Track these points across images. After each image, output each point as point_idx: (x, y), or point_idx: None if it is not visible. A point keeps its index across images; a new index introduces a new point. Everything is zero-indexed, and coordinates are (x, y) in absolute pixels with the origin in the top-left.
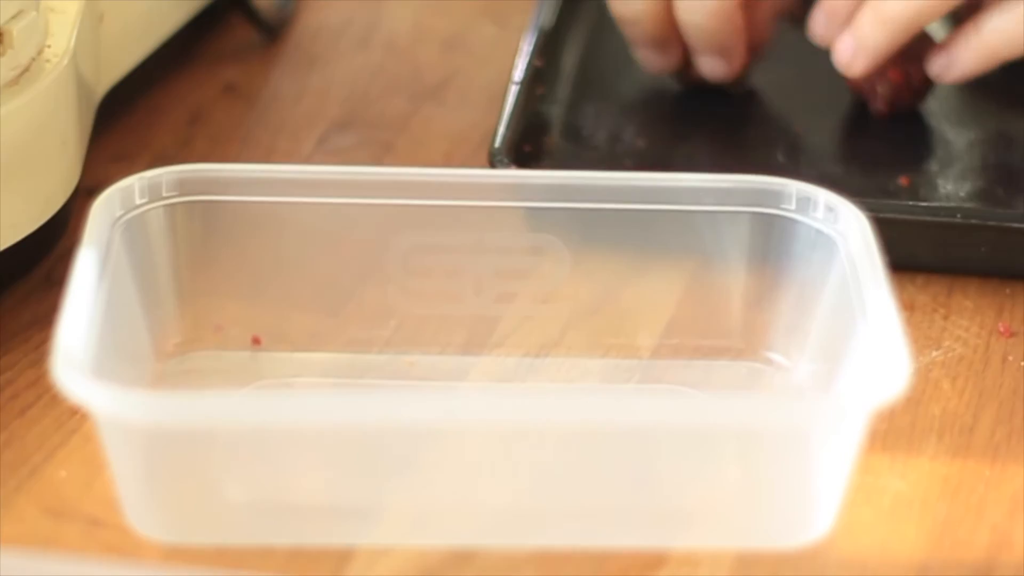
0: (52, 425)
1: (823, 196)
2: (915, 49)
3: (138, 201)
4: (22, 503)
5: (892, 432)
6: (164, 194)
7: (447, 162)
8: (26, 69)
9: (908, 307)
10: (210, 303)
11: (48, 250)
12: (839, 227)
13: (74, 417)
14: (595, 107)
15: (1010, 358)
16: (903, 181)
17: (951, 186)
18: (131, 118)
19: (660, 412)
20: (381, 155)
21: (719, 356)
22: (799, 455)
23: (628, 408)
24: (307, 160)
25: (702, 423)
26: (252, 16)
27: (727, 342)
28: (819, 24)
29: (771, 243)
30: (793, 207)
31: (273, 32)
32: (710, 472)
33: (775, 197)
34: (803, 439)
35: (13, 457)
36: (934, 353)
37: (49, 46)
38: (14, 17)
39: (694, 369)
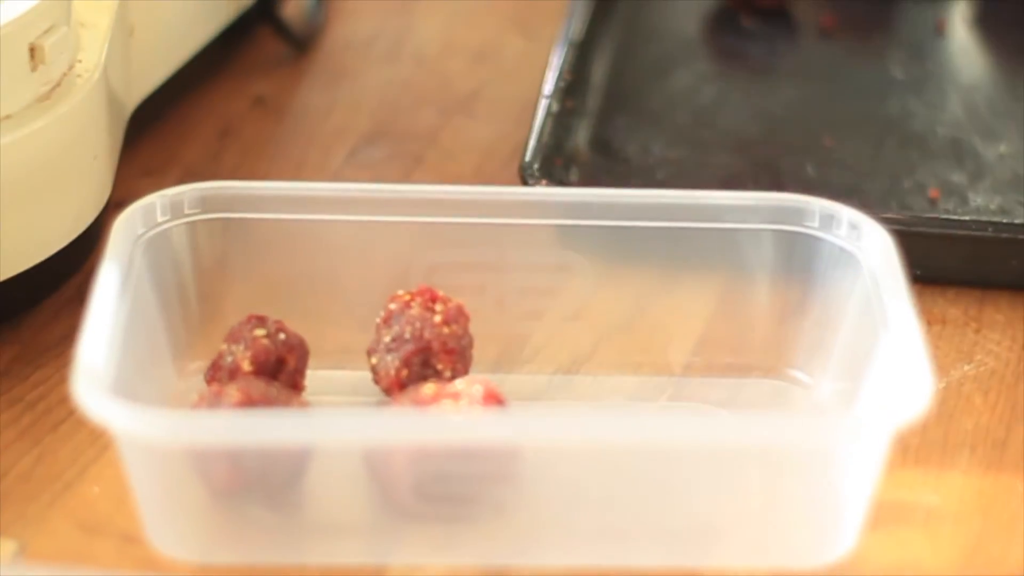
0: (85, 440)
1: (846, 213)
2: None
3: (160, 218)
4: (55, 518)
5: (924, 447)
6: (186, 211)
7: (477, 175)
8: (57, 84)
9: (939, 321)
10: (232, 321)
11: (79, 265)
12: (862, 244)
13: (107, 433)
14: (625, 120)
15: None
16: (933, 194)
17: (981, 199)
18: (161, 132)
19: (685, 432)
20: (411, 168)
21: (745, 374)
22: (822, 474)
23: (653, 428)
24: (337, 174)
25: (725, 442)
26: (281, 29)
27: (752, 359)
28: None
29: (794, 260)
30: (816, 224)
31: (302, 45)
32: (734, 491)
33: (798, 214)
34: (825, 458)
35: (46, 472)
36: (966, 367)
37: (80, 61)
38: (46, 32)
39: (721, 387)
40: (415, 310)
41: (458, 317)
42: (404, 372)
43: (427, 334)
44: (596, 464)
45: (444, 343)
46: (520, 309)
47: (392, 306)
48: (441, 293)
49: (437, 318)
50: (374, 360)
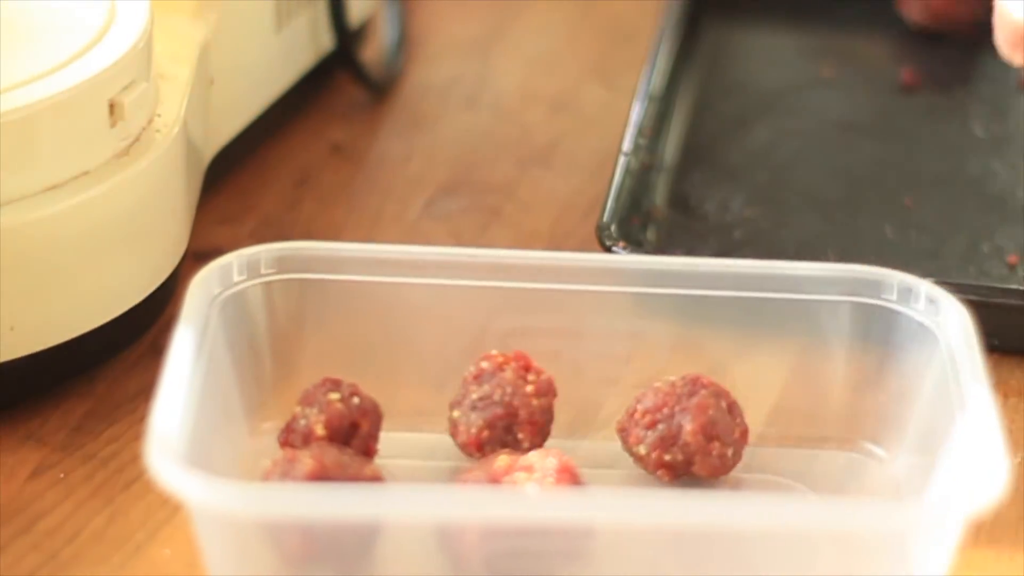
0: (157, 501)
1: (924, 288)
2: None
3: (236, 278)
4: None
5: (998, 526)
6: (263, 271)
7: (555, 229)
8: (136, 139)
9: (1016, 393)
10: (307, 381)
11: (155, 318)
12: (939, 319)
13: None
14: (703, 175)
15: None
16: (1012, 259)
17: None
18: (238, 179)
19: (759, 514)
20: (488, 222)
21: (819, 446)
22: (896, 558)
23: (727, 510)
24: (414, 226)
25: (801, 526)
26: (359, 74)
27: (827, 431)
28: None
29: (872, 333)
30: (894, 298)
31: (380, 91)
32: (808, 573)
33: (876, 287)
34: (899, 543)
35: (118, 533)
36: None
37: (159, 115)
38: (125, 88)
39: (795, 458)
40: (508, 374)
41: (547, 391)
42: (485, 433)
43: (516, 402)
44: (669, 543)
45: (531, 414)
46: (595, 375)
47: (484, 364)
48: (535, 363)
49: (529, 388)
50: (456, 414)
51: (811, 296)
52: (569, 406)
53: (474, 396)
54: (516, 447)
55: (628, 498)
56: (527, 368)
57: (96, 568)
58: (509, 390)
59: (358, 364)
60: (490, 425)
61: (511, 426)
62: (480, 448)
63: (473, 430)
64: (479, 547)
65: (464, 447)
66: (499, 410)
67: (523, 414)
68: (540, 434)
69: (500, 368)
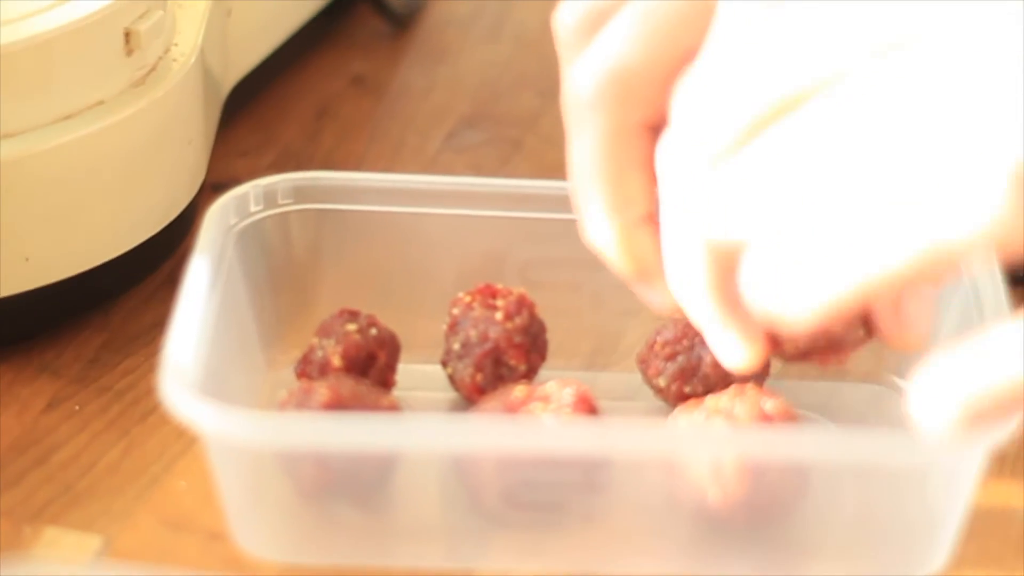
0: (172, 433)
1: None
2: None
3: (253, 208)
4: (141, 514)
5: (1022, 458)
6: (280, 202)
7: None
8: (152, 68)
9: None
10: (324, 312)
11: (172, 250)
12: None
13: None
14: None
15: None
16: None
17: None
18: (257, 111)
19: (778, 446)
20: (509, 154)
21: (842, 378)
22: (917, 489)
23: (745, 442)
24: (434, 158)
25: (821, 457)
26: (381, 6)
27: (849, 364)
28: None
29: None
30: None
31: (402, 22)
32: (828, 504)
33: None
34: (921, 474)
35: (133, 465)
36: None
37: (176, 44)
38: (141, 17)
39: (817, 391)
40: (477, 311)
41: (520, 308)
42: (479, 376)
43: (492, 333)
44: (685, 475)
45: (510, 339)
46: (615, 306)
47: (455, 311)
48: (500, 286)
49: (499, 315)
50: (449, 370)
51: None
52: (589, 337)
53: (455, 347)
54: (513, 375)
55: (644, 429)
56: (493, 295)
57: (111, 500)
58: (482, 327)
59: (376, 295)
60: (479, 367)
61: (499, 358)
62: (481, 392)
63: (467, 379)
64: (495, 478)
65: (468, 397)
66: (479, 350)
67: (503, 342)
68: (533, 350)
69: (469, 308)
